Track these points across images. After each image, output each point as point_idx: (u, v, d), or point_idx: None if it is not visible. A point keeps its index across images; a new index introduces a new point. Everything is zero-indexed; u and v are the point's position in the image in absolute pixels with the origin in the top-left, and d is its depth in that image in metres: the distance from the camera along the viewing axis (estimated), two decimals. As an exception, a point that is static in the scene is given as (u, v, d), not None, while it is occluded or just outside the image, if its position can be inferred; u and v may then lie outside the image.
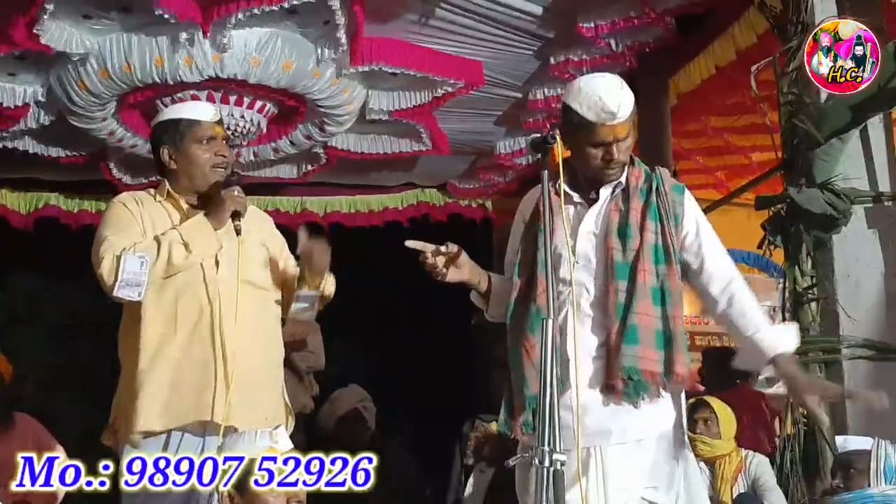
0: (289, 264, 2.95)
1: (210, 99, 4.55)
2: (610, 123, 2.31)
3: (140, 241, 2.66)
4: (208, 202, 2.78)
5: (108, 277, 2.61)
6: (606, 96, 2.31)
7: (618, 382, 2.31)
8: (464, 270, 2.45)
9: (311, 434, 4.84)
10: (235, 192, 2.74)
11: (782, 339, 2.35)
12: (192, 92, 4.53)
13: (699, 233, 2.44)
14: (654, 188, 2.44)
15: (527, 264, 2.47)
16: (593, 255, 2.41)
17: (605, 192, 2.46)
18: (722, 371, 5.56)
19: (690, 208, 2.46)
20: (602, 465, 2.31)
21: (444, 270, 2.41)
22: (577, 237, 2.43)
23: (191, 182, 2.81)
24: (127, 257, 2.58)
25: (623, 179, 2.45)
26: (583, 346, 2.35)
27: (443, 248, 2.40)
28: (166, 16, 3.92)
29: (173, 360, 2.69)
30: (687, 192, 2.50)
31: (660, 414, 2.37)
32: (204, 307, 2.71)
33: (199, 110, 2.87)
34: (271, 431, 2.29)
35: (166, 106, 4.60)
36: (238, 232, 2.74)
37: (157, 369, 2.68)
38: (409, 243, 2.39)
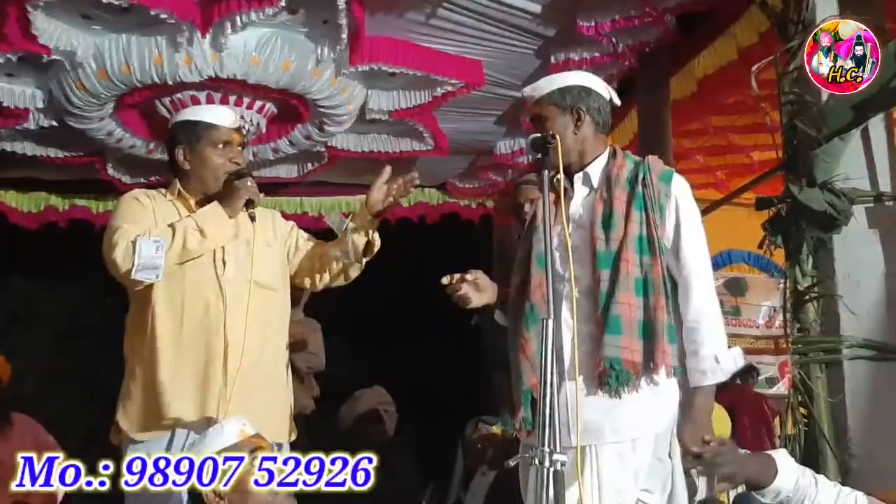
0: (300, 235, 3.02)
1: (210, 99, 4.55)
2: (529, 104, 2.60)
3: (154, 229, 2.68)
4: (220, 197, 2.80)
5: (123, 263, 2.61)
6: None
7: (601, 373, 2.32)
8: (487, 293, 2.53)
9: (321, 433, 4.83)
10: (249, 182, 2.76)
11: (708, 372, 2.38)
12: (191, 93, 4.53)
13: (679, 233, 2.44)
14: (639, 178, 2.45)
15: (522, 262, 2.53)
16: (581, 246, 2.43)
17: (577, 184, 2.52)
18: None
19: (673, 203, 2.44)
20: (597, 465, 2.31)
21: (472, 298, 2.48)
22: (566, 231, 2.45)
23: (202, 184, 2.84)
24: (142, 242, 2.60)
25: (592, 171, 2.51)
26: (577, 339, 2.36)
27: (468, 276, 2.47)
28: (163, 16, 3.91)
29: (179, 358, 2.70)
30: (676, 179, 2.48)
31: (654, 413, 2.37)
32: (210, 305, 2.73)
33: (218, 115, 2.90)
34: (238, 418, 2.32)
35: (165, 106, 4.62)
36: (253, 219, 2.77)
37: (162, 366, 2.70)
38: (446, 280, 2.48)
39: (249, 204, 2.78)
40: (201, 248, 2.70)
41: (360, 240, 2.88)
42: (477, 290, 2.49)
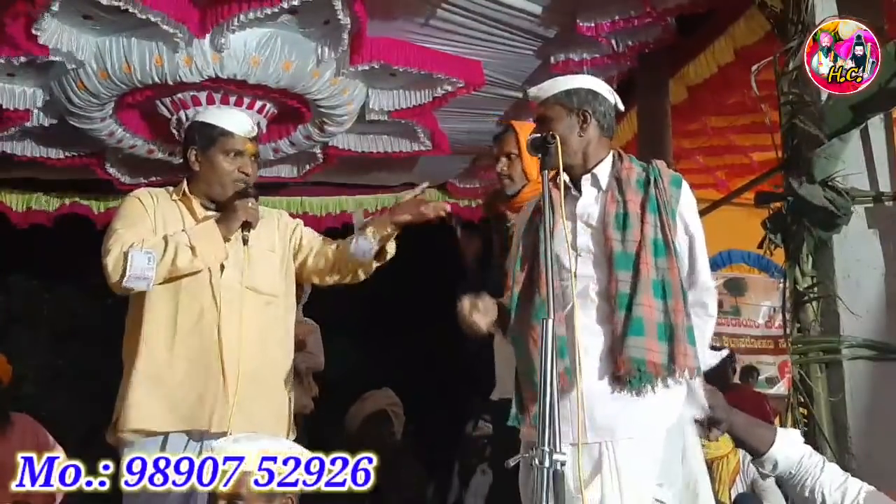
0: (305, 234, 2.99)
1: (210, 99, 4.55)
2: (534, 104, 2.62)
3: (149, 238, 2.68)
4: (223, 210, 2.80)
5: (114, 272, 2.62)
6: None
7: (625, 374, 2.34)
8: (493, 312, 2.52)
9: (322, 433, 4.82)
10: (249, 204, 2.76)
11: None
12: (192, 93, 4.53)
13: (687, 236, 2.49)
14: (651, 181, 2.47)
15: (528, 257, 2.53)
16: (594, 246, 2.45)
17: (585, 185, 2.53)
18: (722, 372, 5.55)
19: (682, 209, 2.49)
20: (615, 460, 2.33)
21: (482, 326, 2.48)
22: (576, 230, 2.48)
23: (209, 188, 2.84)
24: (134, 254, 2.60)
25: (599, 173, 2.52)
26: (590, 337, 2.39)
27: (480, 305, 2.47)
28: (159, 22, 3.93)
29: (172, 362, 2.69)
30: (684, 185, 2.52)
31: (667, 408, 2.39)
32: (205, 310, 2.72)
33: (236, 122, 2.88)
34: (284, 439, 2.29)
35: (166, 106, 4.62)
36: (245, 242, 2.76)
37: (156, 369, 2.69)
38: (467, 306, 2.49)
39: (246, 226, 2.77)
40: (191, 267, 2.69)
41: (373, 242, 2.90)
42: (484, 311, 2.48)
